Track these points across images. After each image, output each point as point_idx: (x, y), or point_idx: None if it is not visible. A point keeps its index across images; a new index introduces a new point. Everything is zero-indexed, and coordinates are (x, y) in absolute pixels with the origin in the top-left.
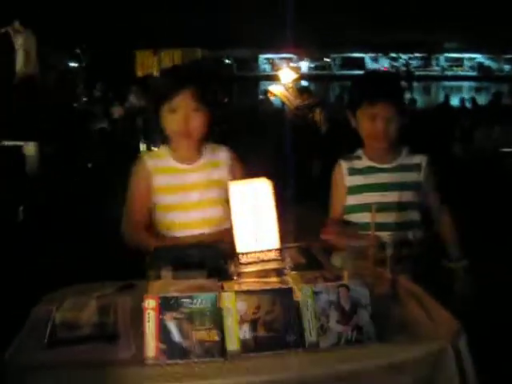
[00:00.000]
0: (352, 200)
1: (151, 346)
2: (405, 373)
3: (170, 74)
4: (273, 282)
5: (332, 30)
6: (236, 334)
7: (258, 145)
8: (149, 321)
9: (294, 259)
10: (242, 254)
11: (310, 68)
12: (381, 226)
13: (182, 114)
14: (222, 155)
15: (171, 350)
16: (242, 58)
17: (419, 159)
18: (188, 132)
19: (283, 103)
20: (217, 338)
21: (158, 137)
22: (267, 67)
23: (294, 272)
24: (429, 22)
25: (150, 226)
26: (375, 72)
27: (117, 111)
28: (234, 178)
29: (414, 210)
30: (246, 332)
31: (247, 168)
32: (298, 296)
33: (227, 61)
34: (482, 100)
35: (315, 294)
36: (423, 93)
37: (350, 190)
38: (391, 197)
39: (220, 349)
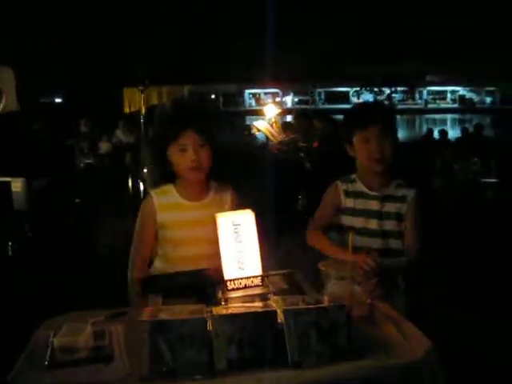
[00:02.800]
0: (343, 220)
1: (145, 366)
2: None
3: (176, 115)
4: (257, 306)
5: (317, 65)
6: (224, 354)
7: (244, 179)
8: (143, 342)
9: (277, 285)
10: (229, 280)
11: (294, 102)
12: (362, 251)
13: (192, 150)
14: (227, 195)
15: (164, 369)
16: (228, 94)
17: (406, 192)
18: (200, 166)
19: (267, 138)
20: (206, 358)
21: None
22: (253, 102)
23: (276, 297)
24: (411, 56)
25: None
26: (363, 102)
27: (104, 147)
28: None
29: (396, 238)
30: (232, 352)
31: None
32: (281, 318)
33: (213, 96)
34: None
35: (297, 316)
36: (407, 126)
37: (346, 211)
38: (374, 223)
39: (209, 368)
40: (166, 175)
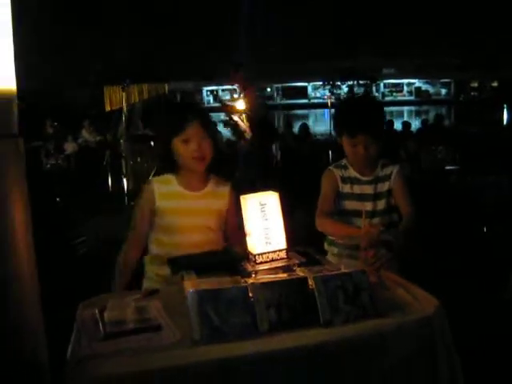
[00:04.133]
0: (344, 205)
1: (196, 331)
2: (399, 341)
3: (182, 108)
4: (286, 276)
5: (274, 61)
6: (265, 317)
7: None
8: (192, 310)
9: (297, 259)
10: (258, 254)
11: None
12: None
13: (195, 142)
14: (225, 189)
15: (213, 332)
16: (186, 91)
17: (391, 169)
18: (202, 157)
19: (239, 133)
20: (250, 321)
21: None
22: (211, 99)
23: (300, 268)
24: (367, 50)
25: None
26: (355, 103)
27: (70, 147)
28: (231, 210)
29: (390, 213)
30: (272, 315)
31: None
32: (311, 284)
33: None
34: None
35: (325, 281)
36: None
37: (343, 196)
38: (369, 205)
39: (253, 329)
40: (169, 166)
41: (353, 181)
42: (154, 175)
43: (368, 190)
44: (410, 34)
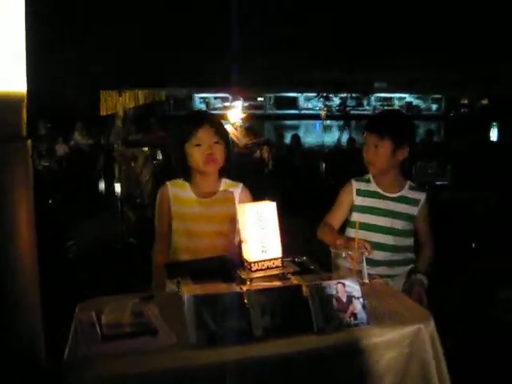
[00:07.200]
0: (355, 217)
1: (193, 334)
2: (390, 348)
3: (192, 115)
4: (280, 284)
5: (267, 70)
6: (259, 323)
7: None
8: (189, 314)
9: (291, 268)
10: (253, 262)
11: (243, 107)
12: (376, 246)
13: (207, 145)
14: (236, 192)
15: (210, 336)
16: (178, 97)
17: (419, 195)
18: (214, 159)
19: (232, 141)
20: (245, 327)
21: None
22: (203, 106)
23: (295, 276)
24: (359, 63)
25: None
26: (384, 110)
27: (61, 149)
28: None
29: (407, 236)
30: (266, 321)
31: None
32: (306, 292)
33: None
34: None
35: (319, 289)
36: (357, 131)
37: (355, 208)
38: (388, 222)
39: (248, 334)
40: (183, 171)
41: (372, 194)
42: (148, 180)
43: (388, 205)
44: (401, 48)
